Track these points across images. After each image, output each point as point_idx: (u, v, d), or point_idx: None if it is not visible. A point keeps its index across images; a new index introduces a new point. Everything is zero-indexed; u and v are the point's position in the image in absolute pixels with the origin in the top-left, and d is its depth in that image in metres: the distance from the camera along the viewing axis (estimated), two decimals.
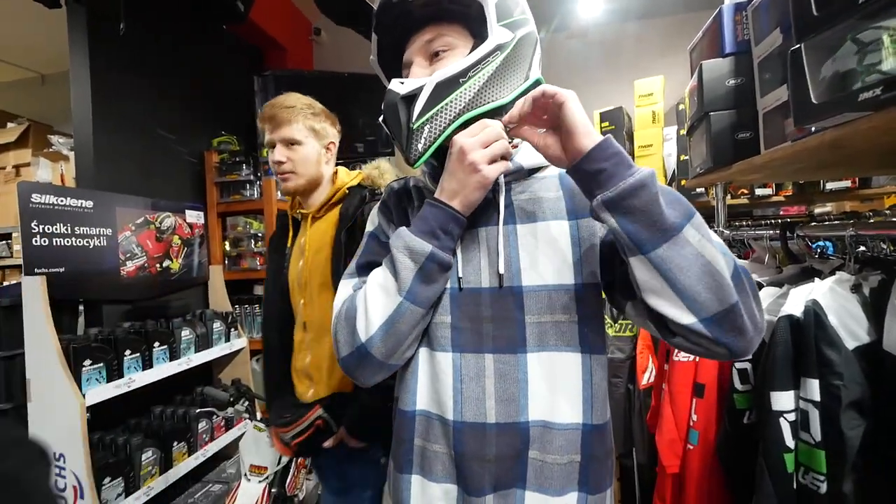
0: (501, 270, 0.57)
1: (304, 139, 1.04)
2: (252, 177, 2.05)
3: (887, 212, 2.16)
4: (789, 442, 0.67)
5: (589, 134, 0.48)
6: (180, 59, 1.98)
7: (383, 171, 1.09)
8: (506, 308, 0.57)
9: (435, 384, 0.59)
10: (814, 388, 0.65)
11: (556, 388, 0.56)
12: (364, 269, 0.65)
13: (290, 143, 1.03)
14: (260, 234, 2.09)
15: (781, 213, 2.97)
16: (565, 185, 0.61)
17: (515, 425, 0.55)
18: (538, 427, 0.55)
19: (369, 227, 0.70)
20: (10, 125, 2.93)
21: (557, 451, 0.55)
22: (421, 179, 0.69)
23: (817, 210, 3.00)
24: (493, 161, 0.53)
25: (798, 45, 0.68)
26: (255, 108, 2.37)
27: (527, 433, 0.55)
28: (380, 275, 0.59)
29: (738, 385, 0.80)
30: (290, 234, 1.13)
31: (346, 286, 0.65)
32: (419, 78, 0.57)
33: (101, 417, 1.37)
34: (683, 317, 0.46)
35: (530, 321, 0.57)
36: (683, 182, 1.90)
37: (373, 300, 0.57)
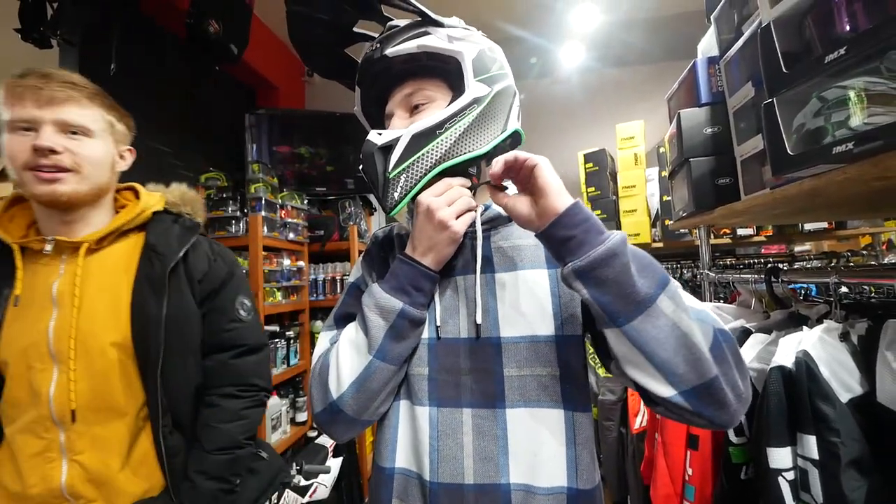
0: (479, 320, 0.56)
1: (99, 132, 0.75)
2: (238, 213, 2.03)
3: (864, 252, 2.23)
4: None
5: (561, 194, 0.48)
6: (171, 96, 2.00)
7: (194, 198, 0.92)
8: (484, 360, 0.56)
9: (414, 441, 0.56)
10: (811, 444, 0.62)
11: (537, 448, 0.53)
12: (342, 322, 0.63)
13: (73, 130, 0.71)
14: (245, 271, 2.04)
15: (763, 251, 3.05)
16: None
17: (496, 487, 0.52)
18: (520, 492, 0.52)
19: (351, 278, 0.69)
20: None
21: None
22: (405, 227, 0.68)
23: (797, 248, 3.09)
24: (459, 216, 0.55)
25: (771, 100, 0.70)
26: (245, 145, 2.39)
27: (508, 497, 0.51)
28: (351, 331, 0.58)
29: (732, 437, 0.78)
30: (17, 273, 0.72)
31: (324, 339, 0.63)
32: (397, 130, 0.59)
33: None
34: (662, 389, 0.45)
35: (509, 374, 0.55)
36: (668, 222, 1.94)
37: (344, 357, 0.56)
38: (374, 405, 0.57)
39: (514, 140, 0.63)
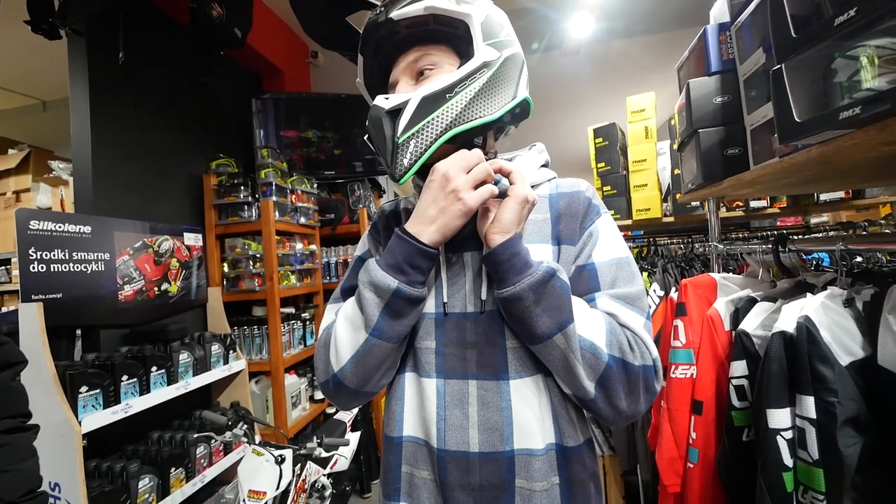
0: (484, 296, 0.58)
1: None
2: (250, 198, 2.07)
3: (882, 221, 2.17)
4: (787, 460, 0.66)
5: (504, 233, 0.53)
6: (178, 84, 2.02)
7: None
8: (489, 333, 0.57)
9: (421, 410, 0.59)
10: (809, 405, 0.64)
11: (534, 413, 0.56)
12: (348, 294, 0.64)
13: None
14: (258, 255, 2.10)
15: (779, 223, 2.99)
16: (554, 208, 0.62)
17: (500, 454, 0.55)
18: (524, 456, 0.55)
19: (358, 252, 0.70)
20: (11, 151, 2.97)
21: (542, 478, 0.54)
22: (412, 201, 0.69)
23: (813, 220, 3.02)
24: (476, 186, 0.53)
25: (779, 66, 0.69)
26: (253, 130, 2.41)
27: (512, 462, 0.55)
28: (349, 307, 0.58)
29: (735, 402, 0.80)
30: None
31: (330, 312, 0.64)
32: (404, 94, 0.57)
33: (97, 444, 1.35)
34: (564, 387, 0.56)
35: (511, 346, 0.57)
36: (679, 196, 1.92)
37: (342, 333, 0.57)
38: (375, 378, 0.58)
39: (522, 109, 0.61)
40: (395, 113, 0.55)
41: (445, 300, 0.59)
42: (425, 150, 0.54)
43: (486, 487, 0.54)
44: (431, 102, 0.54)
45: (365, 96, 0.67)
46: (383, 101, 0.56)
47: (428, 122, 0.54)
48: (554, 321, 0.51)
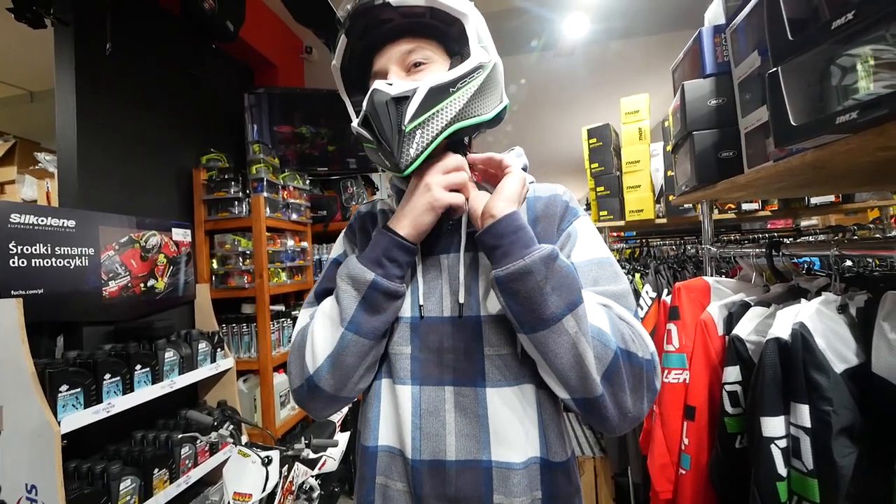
0: (461, 300, 0.56)
1: None
2: (241, 194, 2.03)
3: (871, 225, 2.20)
4: (781, 470, 0.66)
5: (508, 200, 0.51)
6: (168, 76, 1.97)
7: None
8: (466, 338, 0.56)
9: (396, 419, 0.57)
10: (804, 413, 0.64)
11: (514, 424, 0.54)
12: (322, 297, 0.63)
13: None
14: (248, 252, 2.06)
15: (769, 226, 3.02)
16: (532, 211, 0.61)
17: (477, 464, 0.53)
18: (501, 469, 0.53)
19: (333, 254, 0.68)
20: None
21: (522, 493, 0.53)
22: (388, 203, 0.68)
23: (803, 223, 3.05)
24: (449, 188, 0.54)
25: (775, 69, 0.69)
26: (245, 125, 2.37)
27: (490, 476, 0.53)
28: (327, 304, 0.58)
29: (728, 408, 0.79)
30: None
31: (304, 315, 0.62)
32: (408, 81, 0.56)
33: (78, 445, 1.32)
34: (560, 391, 0.51)
35: (489, 353, 0.55)
36: (671, 198, 1.92)
37: (319, 330, 0.56)
38: (352, 381, 0.56)
39: (503, 114, 0.61)
40: (401, 100, 0.53)
41: (422, 303, 0.58)
42: (431, 142, 0.52)
43: (461, 499, 0.53)
44: (438, 93, 0.53)
45: (337, 81, 0.64)
46: (387, 87, 0.53)
47: (434, 112, 0.53)
48: (564, 300, 0.47)
